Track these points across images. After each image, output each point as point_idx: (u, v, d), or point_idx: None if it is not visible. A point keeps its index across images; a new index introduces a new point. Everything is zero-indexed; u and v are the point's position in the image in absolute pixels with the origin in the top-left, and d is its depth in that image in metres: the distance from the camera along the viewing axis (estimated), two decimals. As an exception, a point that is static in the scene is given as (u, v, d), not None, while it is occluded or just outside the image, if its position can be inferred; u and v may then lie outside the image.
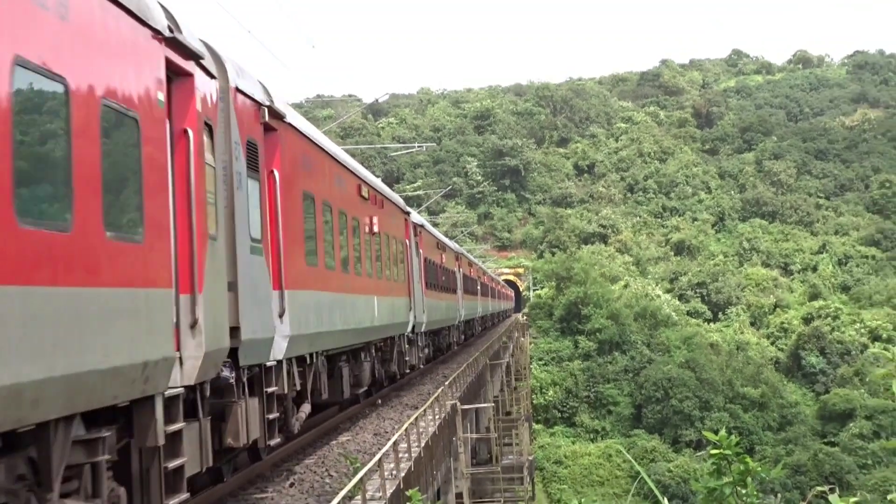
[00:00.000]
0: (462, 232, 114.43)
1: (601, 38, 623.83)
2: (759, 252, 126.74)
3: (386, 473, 13.07)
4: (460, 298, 44.13)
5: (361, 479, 11.59)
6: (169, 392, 8.82)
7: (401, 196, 30.87)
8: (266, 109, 12.45)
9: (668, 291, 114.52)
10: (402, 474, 14.15)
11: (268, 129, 12.84)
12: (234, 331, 10.89)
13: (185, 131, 9.39)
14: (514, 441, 44.99)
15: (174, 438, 8.93)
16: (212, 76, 10.38)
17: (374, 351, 21.29)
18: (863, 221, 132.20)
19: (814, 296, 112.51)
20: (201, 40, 10.40)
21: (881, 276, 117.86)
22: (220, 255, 10.36)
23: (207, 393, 10.13)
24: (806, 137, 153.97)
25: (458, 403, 23.64)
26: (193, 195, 9.36)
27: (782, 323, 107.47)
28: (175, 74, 9.38)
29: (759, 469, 5.07)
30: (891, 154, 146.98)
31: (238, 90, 11.50)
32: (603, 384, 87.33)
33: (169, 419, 8.87)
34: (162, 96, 8.75)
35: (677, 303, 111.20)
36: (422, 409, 19.44)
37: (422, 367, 30.87)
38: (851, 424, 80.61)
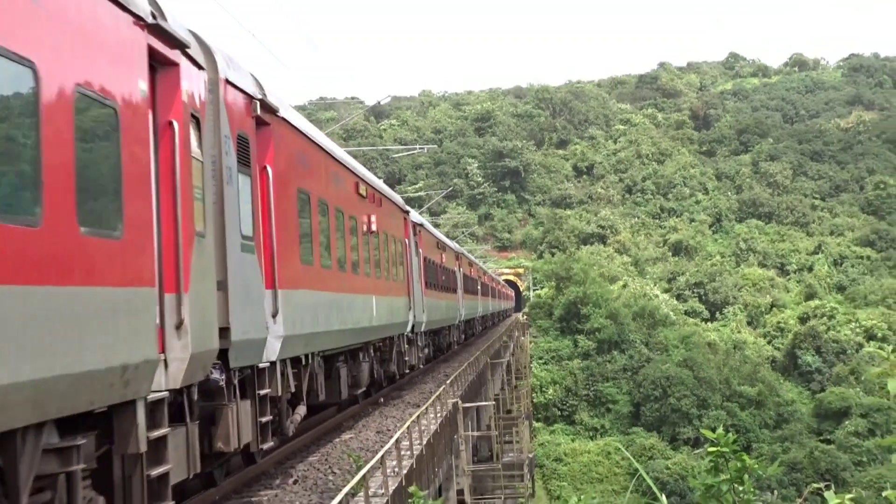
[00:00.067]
0: (463, 232, 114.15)
1: (600, 42, 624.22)
2: (756, 252, 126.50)
3: (388, 470, 13.01)
4: (460, 298, 43.53)
5: (364, 477, 11.40)
6: (153, 396, 8.26)
7: (402, 197, 30.29)
8: (258, 103, 11.81)
9: (666, 291, 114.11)
10: (405, 471, 14.00)
11: (260, 123, 12.23)
12: (224, 331, 10.29)
13: (170, 123, 8.81)
14: (515, 439, 45.18)
15: (158, 444, 8.35)
16: (200, 67, 9.78)
17: (372, 351, 20.67)
18: (858, 222, 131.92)
19: (810, 295, 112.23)
20: (189, 30, 9.81)
21: (876, 276, 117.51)
22: (208, 252, 9.75)
23: (195, 396, 9.54)
24: (802, 139, 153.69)
25: (460, 402, 23.50)
26: (179, 190, 8.77)
27: (779, 322, 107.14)
28: (159, 64, 8.81)
29: (756, 466, 5.05)
30: (885, 156, 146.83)
31: (228, 82, 10.88)
32: (602, 383, 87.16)
33: (154, 424, 8.31)
34: (144, 86, 8.17)
35: (675, 302, 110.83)
36: (424, 407, 19.28)
37: (421, 366, 30.25)
38: (847, 422, 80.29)
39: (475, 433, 29.73)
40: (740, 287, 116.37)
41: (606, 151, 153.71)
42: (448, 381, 24.83)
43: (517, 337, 68.28)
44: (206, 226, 9.70)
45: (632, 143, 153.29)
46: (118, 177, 7.52)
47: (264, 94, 12.21)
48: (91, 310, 6.92)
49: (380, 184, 22.87)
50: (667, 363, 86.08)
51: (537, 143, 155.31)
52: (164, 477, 8.38)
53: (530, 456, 46.74)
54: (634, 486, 51.19)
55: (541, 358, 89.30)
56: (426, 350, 30.84)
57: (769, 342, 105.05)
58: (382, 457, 12.70)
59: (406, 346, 25.28)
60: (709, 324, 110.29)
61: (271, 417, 12.09)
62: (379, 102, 70.31)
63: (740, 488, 4.96)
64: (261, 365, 11.68)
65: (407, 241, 26.69)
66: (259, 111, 11.89)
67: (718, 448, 5.01)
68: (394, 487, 12.74)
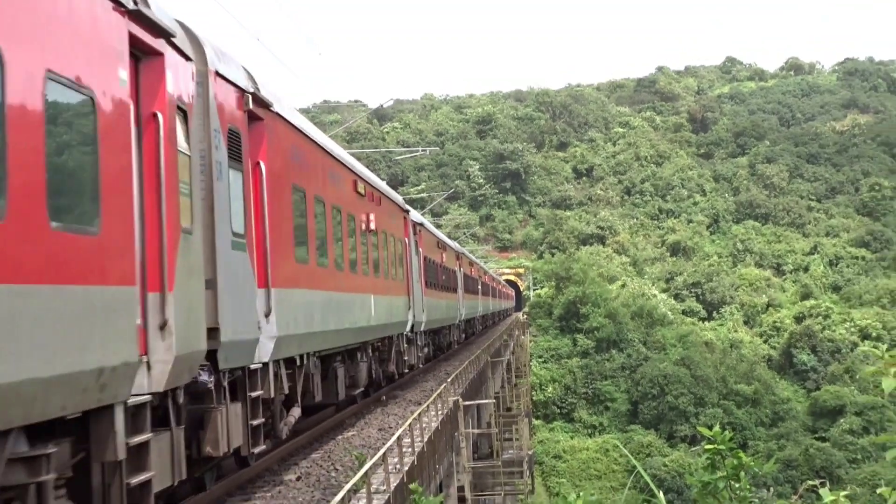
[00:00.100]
0: (464, 233, 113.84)
1: (599, 46, 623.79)
2: (753, 253, 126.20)
3: (390, 467, 12.99)
4: (461, 297, 42.93)
5: (366, 473, 11.28)
6: (134, 400, 7.70)
7: (405, 198, 29.66)
8: (250, 97, 11.17)
9: (664, 291, 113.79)
10: (406, 468, 13.91)
11: (253, 118, 11.62)
12: (213, 332, 9.71)
13: (155, 115, 8.24)
14: (515, 436, 45.34)
15: (140, 451, 7.79)
16: (187, 58, 9.21)
17: (370, 351, 20.06)
18: (853, 223, 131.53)
19: (805, 295, 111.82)
20: (176, 20, 9.25)
21: (870, 277, 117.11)
22: (195, 250, 9.16)
23: (181, 400, 8.97)
24: (798, 142, 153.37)
25: (460, 400, 23.36)
26: (163, 184, 8.20)
27: (775, 322, 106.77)
28: (143, 53, 8.24)
29: (752, 464, 5.08)
30: (880, 158, 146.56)
31: (218, 74, 10.28)
32: (601, 381, 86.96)
33: (136, 429, 7.75)
34: (124, 74, 7.60)
35: (673, 302, 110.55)
36: (425, 405, 19.14)
37: (421, 366, 29.64)
38: (842, 420, 79.92)
39: (476, 430, 29.62)
40: (737, 287, 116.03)
41: (606, 154, 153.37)
42: (449, 380, 24.60)
43: (517, 336, 68.04)
44: (193, 222, 9.12)
45: (630, 145, 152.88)
46: (95, 168, 6.96)
47: (257, 88, 11.62)
48: (62, 309, 6.36)
49: (379, 182, 22.23)
50: (664, 362, 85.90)
51: (538, 145, 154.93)
52: (147, 484, 7.82)
53: (530, 453, 46.97)
54: (632, 482, 50.89)
55: (540, 356, 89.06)
56: (426, 349, 30.23)
57: (765, 341, 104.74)
58: (384, 454, 12.67)
59: (405, 345, 24.67)
60: (706, 323, 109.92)
61: (263, 420, 11.51)
62: (382, 105, 70.09)
63: (737, 485, 5.02)
64: (252, 366, 11.09)
65: (407, 240, 26.05)
66: (251, 105, 11.26)
67: (715, 445, 5.10)
68: (395, 484, 12.64)
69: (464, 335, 47.78)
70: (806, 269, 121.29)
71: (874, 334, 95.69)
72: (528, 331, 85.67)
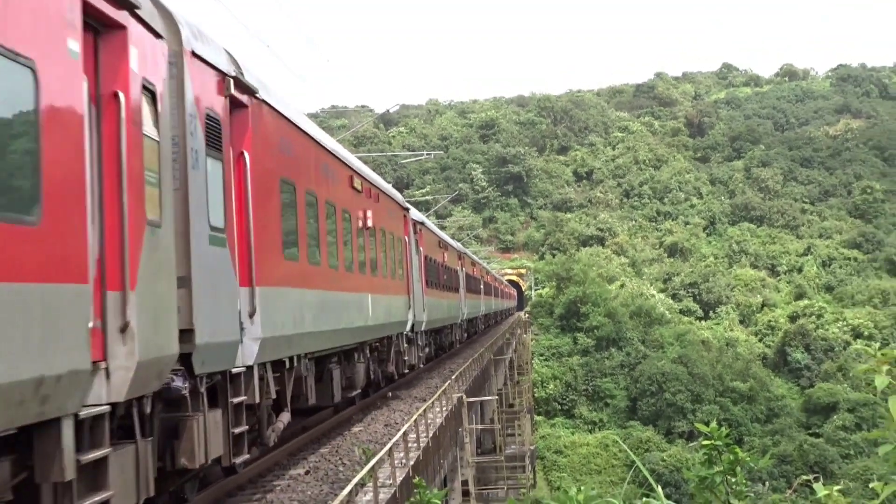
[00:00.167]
0: (468, 235, 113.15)
1: (599, 53, 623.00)
2: (748, 254, 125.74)
3: (396, 462, 12.94)
4: (463, 297, 41.76)
5: (373, 468, 11.14)
6: (91, 411, 6.59)
7: (410, 201, 28.51)
8: (231, 81, 9.92)
9: (661, 291, 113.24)
10: (412, 463, 13.83)
11: (236, 104, 10.41)
12: (187, 334, 8.56)
13: (115, 94, 7.12)
14: (517, 432, 45.80)
15: (98, 467, 6.68)
16: (158, 35, 8.10)
17: (368, 351, 18.89)
18: (845, 225, 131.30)
19: (799, 295, 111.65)
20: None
21: (863, 277, 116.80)
22: (165, 245, 8.00)
23: (148, 409, 7.84)
24: (792, 146, 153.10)
25: (464, 396, 23.20)
26: (125, 171, 7.06)
27: (769, 321, 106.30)
28: (102, 25, 7.13)
29: (748, 459, 5.04)
30: (872, 162, 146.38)
31: (195, 55, 9.09)
32: (600, 378, 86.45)
33: (94, 443, 6.64)
34: (76, 46, 6.48)
35: (670, 302, 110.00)
36: (430, 401, 19.01)
37: (422, 366, 28.45)
38: (835, 417, 79.29)
39: (479, 426, 29.62)
40: (733, 287, 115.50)
41: (605, 157, 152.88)
42: (453, 377, 24.33)
43: (519, 334, 67.51)
44: (162, 214, 7.96)
45: (629, 149, 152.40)
46: (35, 150, 5.84)
47: (240, 73, 10.43)
48: None
49: (378, 179, 21.02)
50: (662, 360, 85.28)
51: (539, 149, 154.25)
52: (105, 505, 6.71)
53: (532, 448, 47.17)
54: (631, 477, 50.06)
55: (542, 354, 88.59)
56: (427, 349, 29.04)
57: (760, 340, 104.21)
58: (391, 449, 12.62)
59: (405, 345, 23.50)
60: (703, 322, 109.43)
61: (247, 427, 10.35)
62: (388, 111, 69.32)
63: (733, 480, 4.99)
64: (234, 370, 9.94)
65: (407, 238, 24.86)
66: (233, 90, 10.02)
67: (712, 441, 5.06)
68: (401, 478, 12.52)
69: (466, 334, 46.71)
70: (800, 270, 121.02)
71: (866, 333, 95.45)
72: (530, 330, 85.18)
